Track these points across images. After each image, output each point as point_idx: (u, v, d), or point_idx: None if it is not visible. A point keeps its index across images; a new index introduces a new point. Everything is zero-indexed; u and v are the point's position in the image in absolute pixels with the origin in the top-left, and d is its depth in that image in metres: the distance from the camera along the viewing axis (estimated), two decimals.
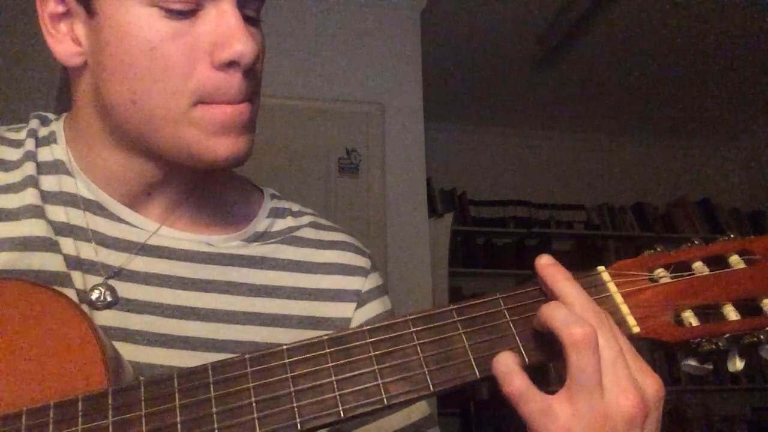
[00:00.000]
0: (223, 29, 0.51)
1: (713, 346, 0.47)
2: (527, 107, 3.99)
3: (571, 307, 0.44)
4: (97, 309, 0.55)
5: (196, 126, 0.53)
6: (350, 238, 0.71)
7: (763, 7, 2.95)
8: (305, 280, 0.64)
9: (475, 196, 3.95)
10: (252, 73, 0.54)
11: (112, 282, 0.57)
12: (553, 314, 0.43)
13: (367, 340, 0.47)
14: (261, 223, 0.66)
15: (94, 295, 0.56)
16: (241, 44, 0.51)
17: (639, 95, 3.83)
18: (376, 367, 0.45)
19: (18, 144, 0.62)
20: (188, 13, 0.51)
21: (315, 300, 0.64)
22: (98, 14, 0.52)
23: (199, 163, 0.55)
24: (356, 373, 0.45)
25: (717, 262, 0.51)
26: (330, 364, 0.45)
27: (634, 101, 3.91)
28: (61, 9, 0.55)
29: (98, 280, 0.57)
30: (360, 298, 0.66)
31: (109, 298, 0.56)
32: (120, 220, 0.60)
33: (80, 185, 0.60)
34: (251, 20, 0.55)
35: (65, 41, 0.55)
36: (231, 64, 0.52)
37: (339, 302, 0.65)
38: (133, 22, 0.51)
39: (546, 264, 0.48)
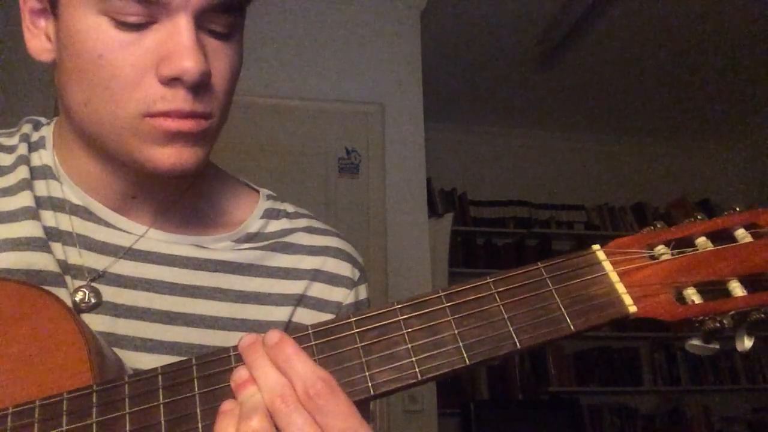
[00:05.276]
0: (172, 45, 0.50)
1: (718, 324, 0.44)
2: (527, 107, 3.99)
3: (263, 390, 0.42)
4: (81, 311, 0.56)
5: (139, 136, 0.52)
6: (344, 244, 0.70)
7: (763, 7, 2.95)
8: (292, 286, 0.64)
9: (475, 196, 3.95)
10: (204, 89, 0.53)
11: (96, 284, 0.57)
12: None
13: (354, 331, 0.46)
14: (254, 224, 0.66)
15: (78, 297, 0.56)
16: (186, 61, 0.50)
17: (639, 95, 3.83)
18: (363, 358, 0.45)
19: (10, 149, 0.62)
20: (140, 26, 0.51)
21: (299, 306, 0.64)
22: (59, 17, 0.53)
23: (143, 170, 0.54)
24: (342, 366, 0.45)
25: (722, 236, 0.48)
26: (315, 357, 0.45)
27: (634, 101, 3.91)
28: (38, 6, 0.56)
29: (83, 283, 0.57)
30: (339, 311, 0.66)
31: (93, 300, 0.56)
32: (107, 224, 0.60)
33: (67, 190, 0.60)
34: (219, 36, 0.54)
35: (40, 36, 0.57)
36: (175, 80, 0.51)
37: (320, 312, 0.65)
38: (84, 30, 0.51)
39: (243, 347, 0.45)
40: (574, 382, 3.71)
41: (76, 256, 0.58)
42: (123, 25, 0.50)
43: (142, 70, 0.51)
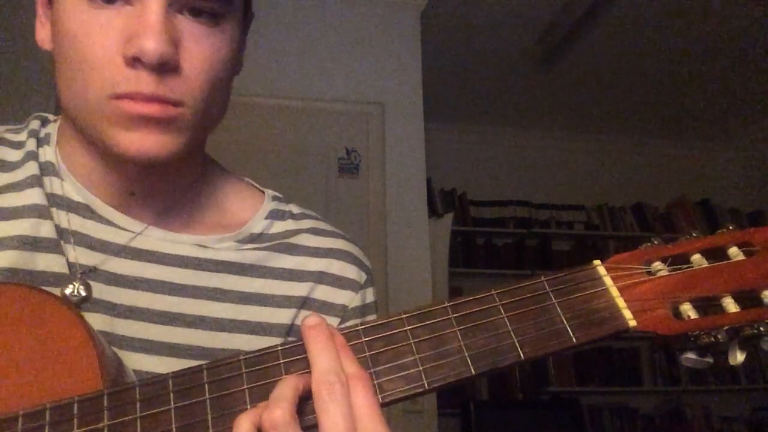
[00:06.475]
0: (137, 24, 0.50)
1: (712, 339, 0.46)
2: (527, 107, 3.99)
3: (313, 371, 0.43)
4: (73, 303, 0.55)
5: (106, 118, 0.52)
6: (350, 247, 0.69)
7: (762, 8, 2.95)
8: (296, 288, 0.63)
9: (475, 196, 3.95)
10: (171, 74, 0.51)
11: (89, 280, 0.56)
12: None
13: (362, 340, 0.47)
14: (258, 225, 0.65)
15: (68, 290, 0.55)
16: (146, 41, 0.49)
17: (639, 95, 3.83)
18: (371, 368, 0.46)
19: (19, 145, 0.62)
20: (112, 3, 0.51)
21: (303, 309, 0.63)
22: (53, 4, 0.55)
23: (112, 156, 0.54)
24: None
25: (716, 254, 0.50)
26: None
27: (634, 101, 3.91)
28: None
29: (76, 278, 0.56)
30: (345, 314, 0.65)
31: (82, 293, 0.55)
32: (107, 222, 0.60)
33: (68, 187, 0.60)
34: (205, 22, 0.53)
35: (46, 26, 0.58)
36: (138, 60, 0.50)
37: (325, 315, 0.63)
38: (64, 12, 0.52)
39: (308, 325, 0.46)
40: (574, 382, 3.71)
41: (72, 253, 0.57)
42: (96, 2, 0.51)
43: (110, 51, 0.51)
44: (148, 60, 0.49)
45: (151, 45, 0.49)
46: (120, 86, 0.51)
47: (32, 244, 0.55)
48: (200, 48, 0.53)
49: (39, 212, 0.57)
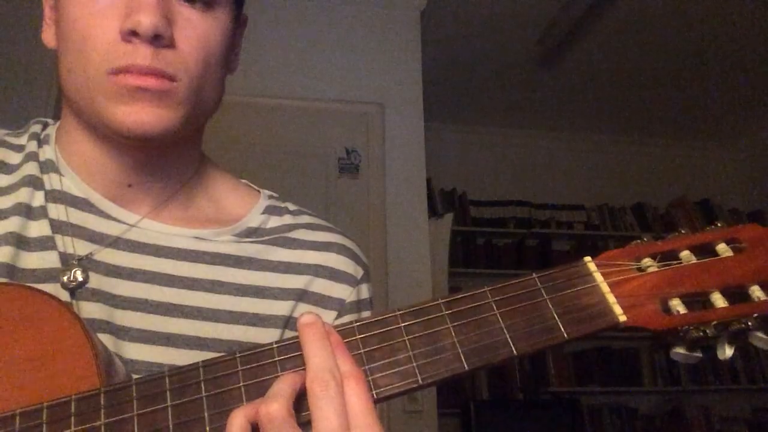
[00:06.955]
0: (134, 3, 0.53)
1: (701, 334, 0.47)
2: (527, 107, 3.99)
3: (308, 369, 0.44)
4: (69, 289, 0.56)
5: (105, 94, 0.54)
6: (348, 242, 0.70)
7: (763, 8, 2.95)
8: (293, 281, 0.64)
9: (475, 196, 3.95)
10: (166, 50, 0.54)
11: (85, 267, 0.57)
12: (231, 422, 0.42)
13: (356, 337, 0.47)
14: (255, 219, 0.66)
15: (65, 277, 0.56)
16: (141, 15, 0.52)
17: (639, 95, 3.83)
18: (366, 364, 0.46)
19: (20, 148, 0.64)
20: None
21: (301, 302, 0.64)
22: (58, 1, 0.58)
23: (111, 132, 0.55)
24: None
25: (704, 250, 0.51)
26: None
27: (634, 101, 3.91)
28: (53, 1, 0.60)
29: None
30: (343, 308, 0.66)
31: (79, 278, 0.56)
32: (107, 216, 0.61)
33: (68, 182, 0.61)
34: (198, 7, 0.57)
35: (52, 27, 0.61)
36: (133, 34, 0.53)
37: (322, 309, 0.64)
38: (69, 2, 0.55)
39: (303, 323, 0.46)
40: (574, 382, 3.71)
41: (70, 246, 0.58)
42: None
43: (109, 30, 0.53)
44: (143, 31, 0.52)
45: (146, 18, 0.52)
46: (118, 61, 0.53)
47: (22, 242, 0.57)
48: (194, 29, 0.56)
49: (30, 211, 0.58)
